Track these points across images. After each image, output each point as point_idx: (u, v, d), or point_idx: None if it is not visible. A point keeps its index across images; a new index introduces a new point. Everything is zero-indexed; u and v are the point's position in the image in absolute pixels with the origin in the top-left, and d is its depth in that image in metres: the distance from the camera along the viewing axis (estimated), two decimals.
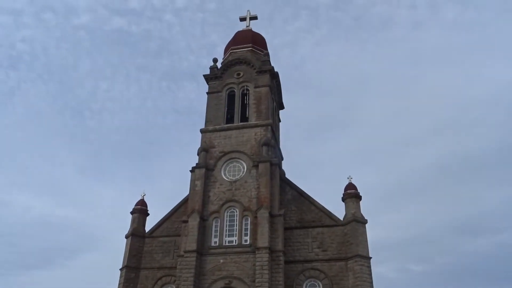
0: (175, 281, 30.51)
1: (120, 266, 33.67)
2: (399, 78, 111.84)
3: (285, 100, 43.70)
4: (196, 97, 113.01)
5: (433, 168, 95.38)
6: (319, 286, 29.52)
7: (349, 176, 33.17)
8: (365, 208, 32.02)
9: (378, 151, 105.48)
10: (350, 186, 32.60)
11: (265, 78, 37.23)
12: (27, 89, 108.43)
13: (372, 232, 54.87)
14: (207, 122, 36.37)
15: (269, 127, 34.59)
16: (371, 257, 29.56)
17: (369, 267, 29.08)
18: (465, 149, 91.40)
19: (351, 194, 32.05)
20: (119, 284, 32.76)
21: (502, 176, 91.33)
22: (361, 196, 32.23)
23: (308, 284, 29.76)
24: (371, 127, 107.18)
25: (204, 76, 38.98)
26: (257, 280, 27.65)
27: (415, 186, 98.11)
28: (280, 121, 42.92)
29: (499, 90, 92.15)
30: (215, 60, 39.99)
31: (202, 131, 35.76)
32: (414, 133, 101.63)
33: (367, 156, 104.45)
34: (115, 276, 33.52)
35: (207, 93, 38.09)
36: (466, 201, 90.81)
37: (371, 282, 28.58)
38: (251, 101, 36.51)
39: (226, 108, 37.14)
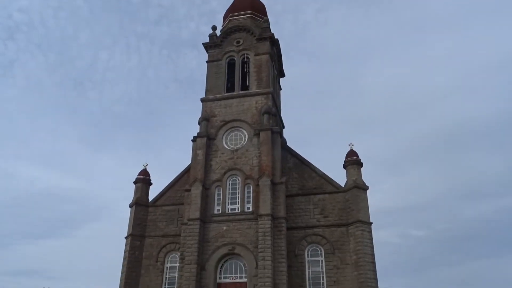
0: (179, 248, 31.19)
1: (125, 235, 34.33)
2: (403, 44, 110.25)
3: (286, 67, 43.32)
4: (197, 66, 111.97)
5: (435, 134, 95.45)
6: (320, 251, 30.10)
7: (351, 143, 33.24)
8: (367, 174, 32.48)
9: (380, 118, 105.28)
10: (351, 153, 32.67)
11: (265, 46, 36.67)
12: (27, 60, 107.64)
13: (373, 198, 55.53)
14: (207, 91, 36.11)
15: (270, 95, 34.34)
16: (372, 223, 29.98)
17: (370, 232, 29.55)
18: (467, 115, 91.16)
19: (352, 161, 32.17)
20: (125, 252, 33.53)
21: (504, 141, 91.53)
22: (362, 163, 32.38)
23: (310, 249, 30.35)
24: (373, 93, 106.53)
25: (204, 44, 38.37)
26: (259, 246, 28.18)
27: (417, 153, 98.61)
28: (281, 89, 42.57)
29: (503, 55, 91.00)
30: (214, 28, 39.29)
31: (202, 100, 35.58)
32: (417, 99, 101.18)
33: (369, 123, 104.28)
34: (121, 245, 34.33)
35: (207, 61, 37.61)
36: (467, 167, 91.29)
37: (372, 247, 29.11)
38: (252, 69, 36.12)
39: (227, 77, 36.78)
